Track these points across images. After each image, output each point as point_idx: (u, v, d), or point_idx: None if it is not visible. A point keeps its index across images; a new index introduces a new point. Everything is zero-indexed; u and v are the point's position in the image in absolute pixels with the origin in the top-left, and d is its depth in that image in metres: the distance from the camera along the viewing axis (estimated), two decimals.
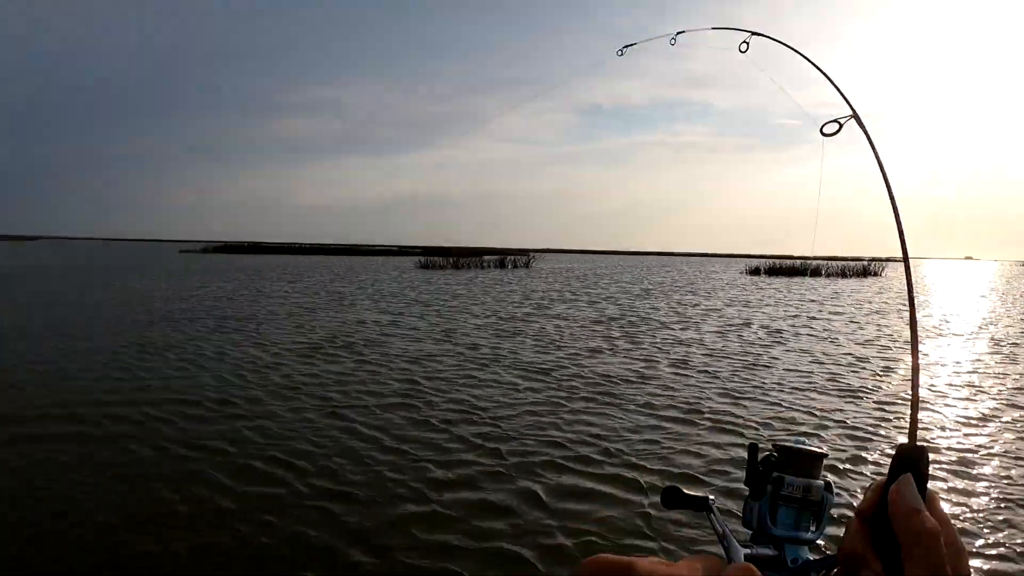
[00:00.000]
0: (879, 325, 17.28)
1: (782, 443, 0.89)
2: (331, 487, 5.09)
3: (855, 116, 0.85)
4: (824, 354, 12.15)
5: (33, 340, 11.59)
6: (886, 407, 7.99)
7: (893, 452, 0.58)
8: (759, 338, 14.22)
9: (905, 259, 0.73)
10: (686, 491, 1.06)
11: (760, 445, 0.92)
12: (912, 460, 0.55)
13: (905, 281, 0.70)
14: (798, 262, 57.85)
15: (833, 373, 10.18)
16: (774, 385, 9.17)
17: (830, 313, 20.42)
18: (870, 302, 25.26)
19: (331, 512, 4.65)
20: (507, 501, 4.88)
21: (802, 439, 0.90)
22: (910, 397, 0.64)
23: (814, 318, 18.76)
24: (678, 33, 1.43)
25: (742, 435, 6.63)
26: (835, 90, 0.92)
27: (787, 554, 0.83)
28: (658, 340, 13.50)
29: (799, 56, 1.10)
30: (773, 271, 48.88)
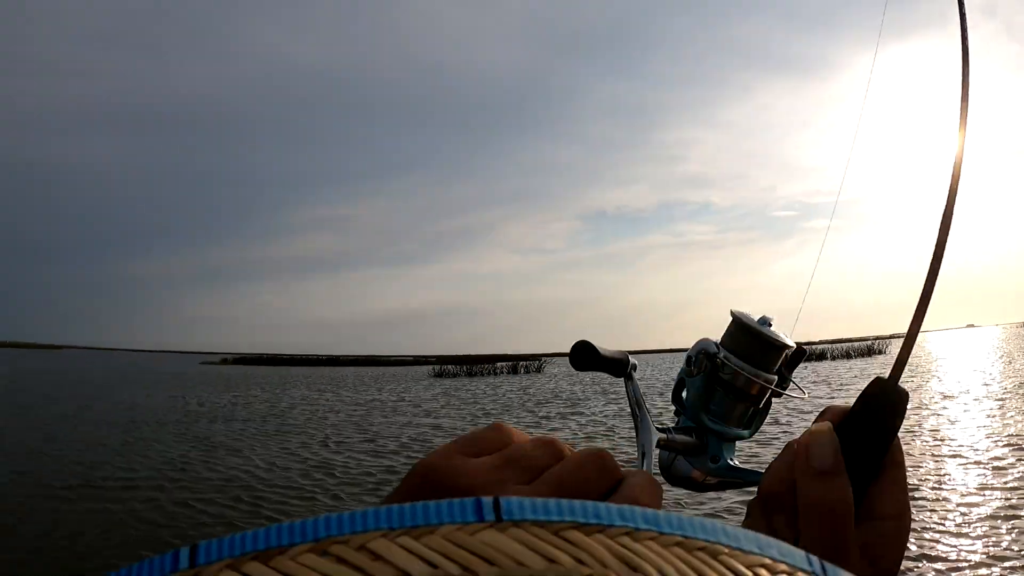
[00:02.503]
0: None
1: (741, 316, 0.66)
2: None
3: None
4: None
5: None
6: None
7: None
8: None
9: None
10: (602, 350, 0.69)
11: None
12: (878, 399, 0.46)
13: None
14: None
15: None
16: None
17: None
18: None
19: None
20: None
21: (769, 318, 0.66)
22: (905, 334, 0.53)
23: None
24: None
25: None
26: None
27: (709, 448, 0.66)
28: None
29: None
30: None
